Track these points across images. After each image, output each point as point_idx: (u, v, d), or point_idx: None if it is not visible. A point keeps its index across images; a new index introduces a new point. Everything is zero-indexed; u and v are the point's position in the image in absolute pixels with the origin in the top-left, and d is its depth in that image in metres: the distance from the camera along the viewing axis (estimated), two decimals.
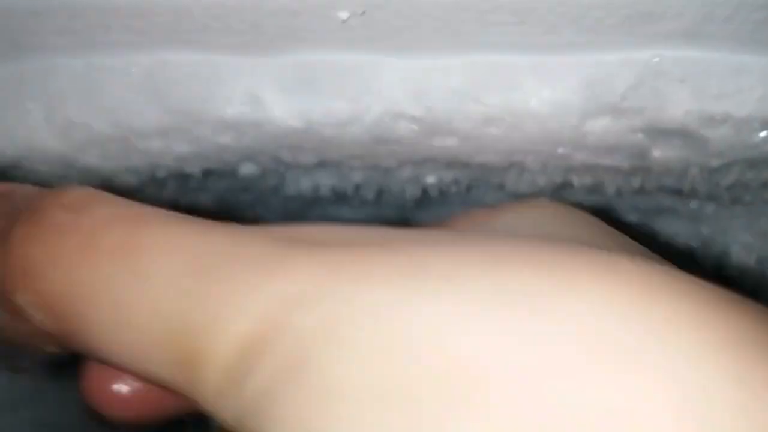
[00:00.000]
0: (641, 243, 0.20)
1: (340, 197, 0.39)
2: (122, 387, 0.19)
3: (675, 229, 0.44)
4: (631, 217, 0.43)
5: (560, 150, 0.30)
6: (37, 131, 0.32)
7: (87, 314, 0.16)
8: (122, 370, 0.17)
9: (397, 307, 0.14)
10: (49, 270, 0.17)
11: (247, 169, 0.35)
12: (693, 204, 0.40)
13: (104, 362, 0.17)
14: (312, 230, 0.17)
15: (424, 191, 0.37)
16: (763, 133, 0.29)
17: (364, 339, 0.13)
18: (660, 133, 0.29)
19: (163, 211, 0.17)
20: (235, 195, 0.42)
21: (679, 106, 0.28)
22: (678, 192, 0.35)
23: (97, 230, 0.17)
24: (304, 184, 0.38)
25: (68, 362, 0.20)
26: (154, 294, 0.15)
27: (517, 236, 0.18)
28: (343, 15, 0.26)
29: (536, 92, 0.28)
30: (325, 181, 0.37)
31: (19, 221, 0.18)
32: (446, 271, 0.14)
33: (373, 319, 0.14)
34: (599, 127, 0.29)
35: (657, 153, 0.30)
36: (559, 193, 0.37)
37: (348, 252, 0.15)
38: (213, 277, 0.15)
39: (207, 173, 0.35)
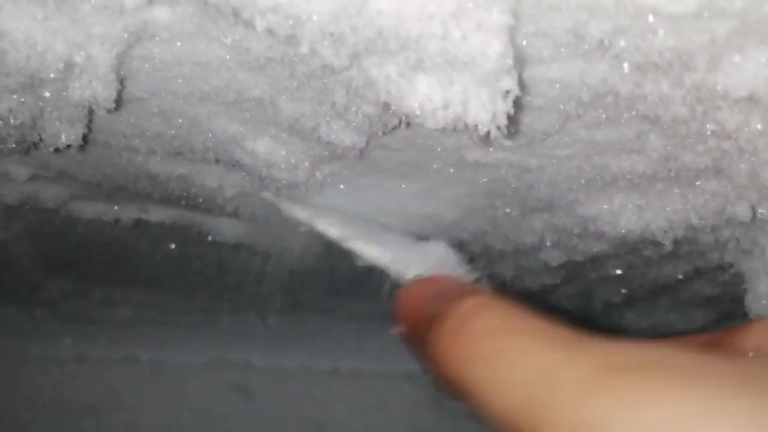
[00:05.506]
0: None
1: None
2: None
3: None
4: None
5: None
6: None
7: (471, 390, 0.26)
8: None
9: None
10: (449, 359, 0.28)
11: None
12: None
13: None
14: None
15: None
16: None
17: None
18: None
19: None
20: None
21: None
22: None
23: (477, 338, 0.27)
24: None
25: None
26: (507, 393, 0.25)
27: None
28: None
29: None
30: None
31: (436, 321, 0.30)
32: None
33: None
34: None
35: None
36: None
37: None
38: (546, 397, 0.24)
39: None
